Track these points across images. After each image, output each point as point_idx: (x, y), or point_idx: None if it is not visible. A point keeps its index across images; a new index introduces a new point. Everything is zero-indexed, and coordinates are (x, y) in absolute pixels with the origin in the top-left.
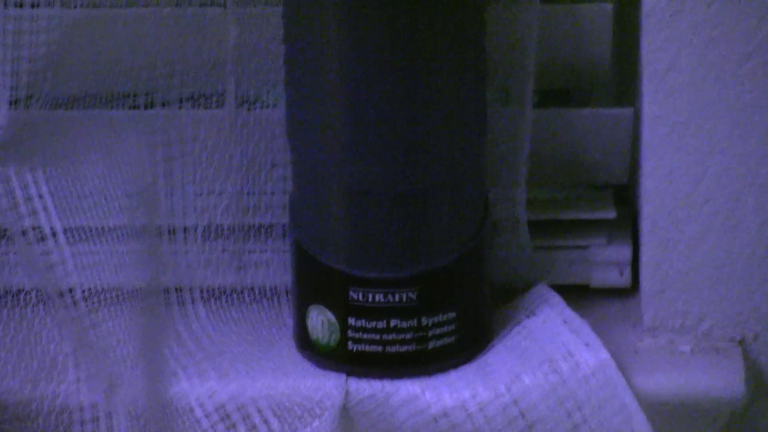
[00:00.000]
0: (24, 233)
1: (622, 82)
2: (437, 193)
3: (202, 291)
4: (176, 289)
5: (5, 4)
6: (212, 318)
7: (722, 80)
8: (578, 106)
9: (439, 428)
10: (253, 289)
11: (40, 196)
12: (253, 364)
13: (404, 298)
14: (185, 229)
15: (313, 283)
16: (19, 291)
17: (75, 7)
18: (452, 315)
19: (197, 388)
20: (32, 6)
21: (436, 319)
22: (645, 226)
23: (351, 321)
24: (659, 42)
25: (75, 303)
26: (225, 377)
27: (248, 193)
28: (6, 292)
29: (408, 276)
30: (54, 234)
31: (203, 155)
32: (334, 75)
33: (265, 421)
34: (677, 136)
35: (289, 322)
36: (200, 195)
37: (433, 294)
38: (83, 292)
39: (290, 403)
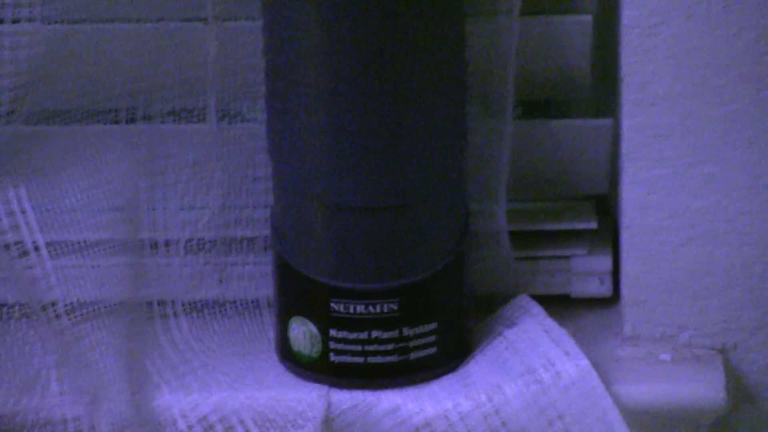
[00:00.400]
0: (6, 248)
1: (602, 93)
2: (418, 207)
3: (184, 304)
4: (159, 302)
5: None
6: (195, 330)
7: (702, 91)
8: (558, 117)
9: None
10: (235, 302)
11: (23, 211)
12: (235, 376)
13: (385, 309)
14: (167, 243)
15: (295, 294)
16: (2, 305)
17: (56, 22)
18: (433, 326)
19: (180, 401)
20: (13, 22)
21: (417, 331)
22: (625, 236)
23: (332, 332)
24: (639, 54)
25: (58, 317)
26: (208, 389)
27: (230, 207)
28: None
29: (389, 287)
30: (36, 248)
31: (185, 169)
32: (314, 89)
33: None
34: (657, 146)
35: (272, 334)
36: (182, 209)
37: (414, 305)
38: (66, 306)
39: (273, 415)
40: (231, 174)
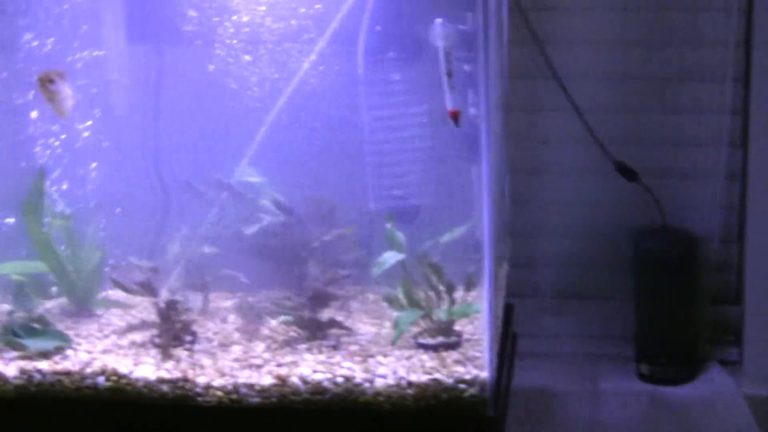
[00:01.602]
0: None
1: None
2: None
3: None
4: None
5: None
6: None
7: None
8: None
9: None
10: None
11: None
12: None
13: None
14: None
15: (641, 353)
16: None
17: None
18: (686, 368)
19: None
20: None
21: (679, 367)
22: (747, 339)
23: (658, 370)
24: None
25: None
26: None
27: None
28: None
29: (672, 358)
30: None
31: None
32: None
33: None
34: None
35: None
36: None
37: (685, 361)
38: None
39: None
40: None
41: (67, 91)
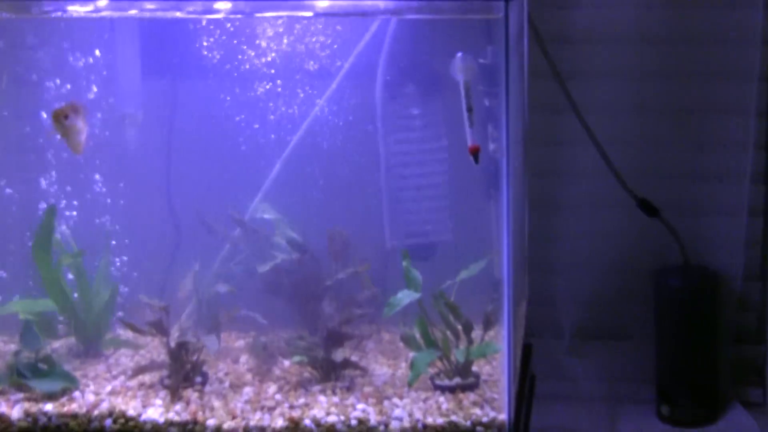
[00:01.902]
0: None
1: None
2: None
3: None
4: None
5: None
6: None
7: None
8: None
9: None
10: None
11: None
12: None
13: (692, 405)
14: None
15: (660, 393)
16: None
17: None
18: (705, 410)
19: None
20: None
21: (702, 409)
22: None
23: (673, 411)
24: None
25: None
26: None
27: None
28: None
29: (693, 405)
30: None
31: None
32: None
33: None
34: None
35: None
36: None
37: (703, 405)
38: None
39: None
40: None
41: (81, 126)
